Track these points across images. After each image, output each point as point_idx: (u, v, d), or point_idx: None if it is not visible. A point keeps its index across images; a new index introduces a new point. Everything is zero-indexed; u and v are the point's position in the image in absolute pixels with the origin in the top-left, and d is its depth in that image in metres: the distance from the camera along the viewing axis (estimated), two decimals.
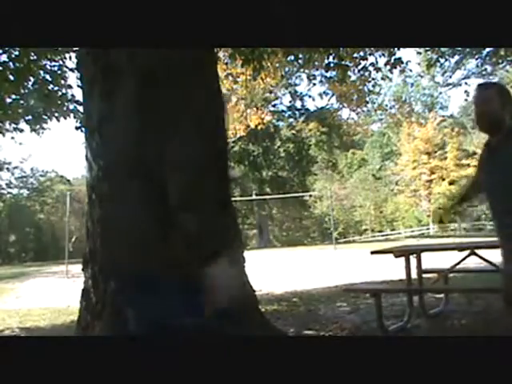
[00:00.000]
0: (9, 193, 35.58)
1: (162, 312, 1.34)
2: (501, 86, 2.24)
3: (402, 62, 7.04)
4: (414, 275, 4.55)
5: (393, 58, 6.94)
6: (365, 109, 14.42)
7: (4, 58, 6.10)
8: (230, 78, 10.73)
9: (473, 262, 4.51)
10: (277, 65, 9.73)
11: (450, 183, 32.32)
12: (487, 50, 7.93)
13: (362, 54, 7.36)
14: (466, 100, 12.71)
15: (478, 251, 4.03)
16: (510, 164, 2.06)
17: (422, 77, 25.71)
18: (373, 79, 9.28)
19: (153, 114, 1.39)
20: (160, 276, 1.34)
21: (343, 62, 6.72)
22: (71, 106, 7.43)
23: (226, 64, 9.87)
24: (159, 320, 1.35)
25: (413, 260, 4.48)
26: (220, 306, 1.29)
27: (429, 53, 7.87)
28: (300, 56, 7.15)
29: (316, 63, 7.90)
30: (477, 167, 2.58)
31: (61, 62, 7.04)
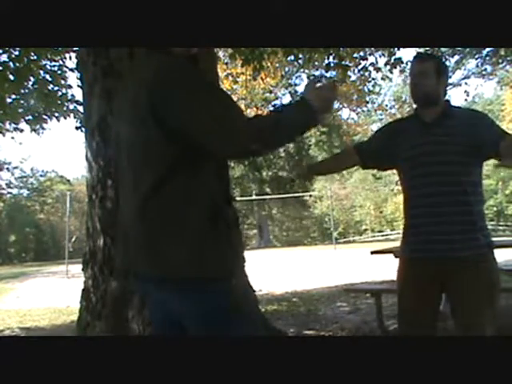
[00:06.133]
0: (9, 193, 35.56)
1: None
2: (438, 59, 2.17)
3: (402, 62, 7.03)
4: None
5: (393, 58, 6.94)
6: (365, 109, 14.45)
7: (4, 57, 6.10)
8: (230, 77, 10.73)
9: None
10: (277, 65, 9.73)
11: None
12: (487, 49, 7.93)
13: (362, 54, 7.36)
14: (465, 100, 12.74)
15: None
16: (448, 142, 1.99)
17: None
18: (373, 79, 9.30)
19: None
20: None
21: (343, 62, 6.71)
22: (71, 106, 7.45)
23: (226, 64, 9.87)
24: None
25: None
26: None
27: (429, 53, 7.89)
28: (300, 56, 7.15)
29: (316, 63, 7.89)
30: (382, 134, 2.32)
31: (61, 62, 7.04)
